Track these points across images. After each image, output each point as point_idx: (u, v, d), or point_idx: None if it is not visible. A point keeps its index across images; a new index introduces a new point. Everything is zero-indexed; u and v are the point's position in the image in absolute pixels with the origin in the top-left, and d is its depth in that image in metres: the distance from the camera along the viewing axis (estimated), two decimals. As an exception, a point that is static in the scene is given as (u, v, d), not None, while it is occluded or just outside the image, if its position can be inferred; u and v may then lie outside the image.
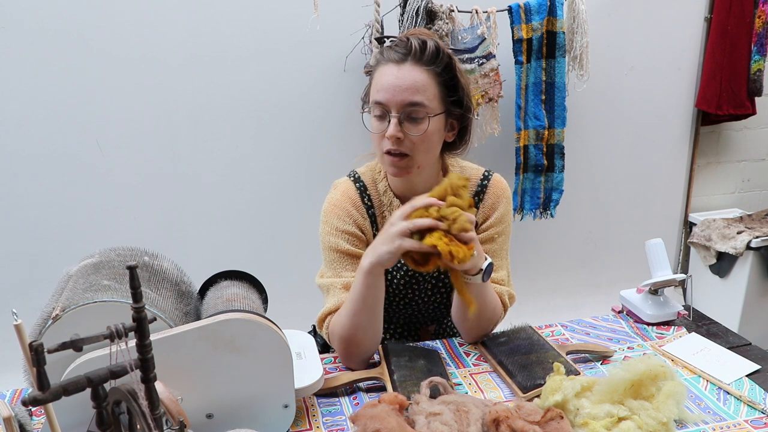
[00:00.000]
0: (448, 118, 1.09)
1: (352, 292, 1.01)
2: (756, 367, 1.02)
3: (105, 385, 0.53)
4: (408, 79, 1.01)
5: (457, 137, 1.13)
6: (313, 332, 1.37)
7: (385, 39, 1.09)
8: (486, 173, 1.19)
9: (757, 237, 2.35)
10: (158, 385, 0.57)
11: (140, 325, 0.52)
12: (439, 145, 1.10)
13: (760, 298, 2.45)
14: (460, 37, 1.99)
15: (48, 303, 0.85)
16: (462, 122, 1.12)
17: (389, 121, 1.03)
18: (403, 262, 1.15)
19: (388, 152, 1.04)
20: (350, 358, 1.05)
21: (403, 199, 1.14)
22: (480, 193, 1.17)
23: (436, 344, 1.15)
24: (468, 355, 1.11)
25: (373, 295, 0.99)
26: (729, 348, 1.09)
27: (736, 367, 1.03)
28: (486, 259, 1.01)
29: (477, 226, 1.15)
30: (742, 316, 2.44)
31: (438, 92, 1.05)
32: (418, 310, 1.23)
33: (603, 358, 1.08)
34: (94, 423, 0.55)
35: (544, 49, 2.11)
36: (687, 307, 1.25)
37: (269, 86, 2.10)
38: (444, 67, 1.05)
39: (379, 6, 1.87)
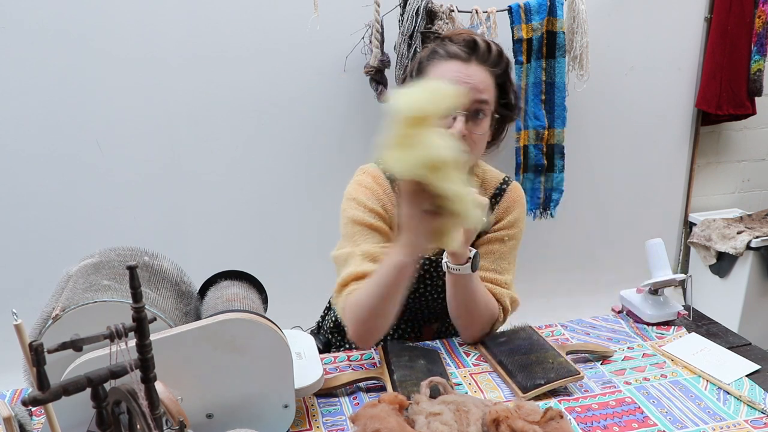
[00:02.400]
0: (494, 119, 1.10)
1: (376, 280, 0.97)
2: (756, 367, 1.02)
3: (105, 385, 0.53)
4: (476, 77, 1.03)
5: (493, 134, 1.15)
6: (316, 331, 1.37)
7: (431, 34, 1.08)
8: (506, 179, 1.21)
9: (757, 237, 2.35)
10: (158, 385, 0.57)
11: (140, 325, 0.52)
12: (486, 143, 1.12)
13: (760, 298, 2.45)
14: (460, 37, 1.99)
15: (48, 303, 0.85)
16: (502, 123, 1.13)
17: (454, 118, 1.02)
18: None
19: None
20: (360, 340, 1.04)
21: None
22: (497, 195, 1.18)
23: (436, 344, 1.15)
24: (468, 355, 1.10)
25: (398, 289, 0.96)
26: (729, 348, 1.09)
27: (736, 367, 1.03)
28: (471, 249, 1.02)
29: (489, 227, 1.17)
30: (742, 316, 2.44)
31: (495, 94, 1.07)
32: (426, 306, 1.23)
33: (603, 358, 1.08)
34: (94, 423, 0.55)
35: (544, 49, 2.10)
36: (687, 307, 1.25)
37: (269, 86, 2.09)
38: (503, 71, 1.07)
39: (379, 6, 1.86)
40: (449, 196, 0.81)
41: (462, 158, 0.82)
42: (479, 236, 1.17)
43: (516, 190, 1.20)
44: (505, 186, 1.19)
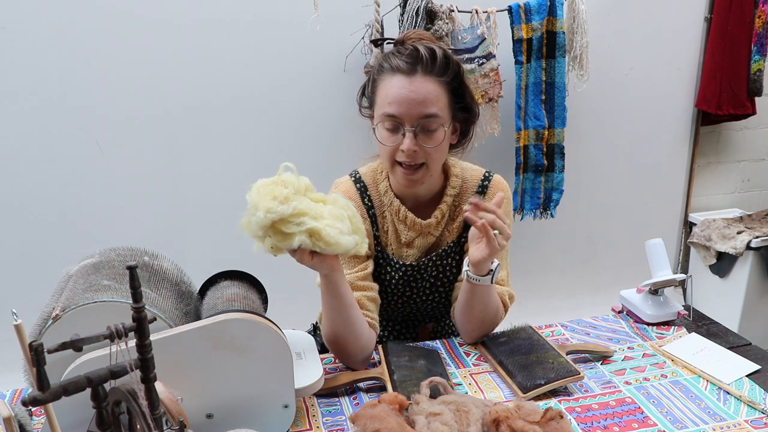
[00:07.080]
0: (454, 123, 1.09)
1: (321, 298, 1.01)
2: (756, 367, 1.02)
3: (105, 385, 0.53)
4: (421, 92, 1.00)
5: (459, 136, 1.14)
6: (313, 332, 1.37)
7: (383, 42, 1.08)
8: (486, 174, 1.19)
9: (757, 237, 2.35)
10: (158, 385, 0.57)
11: (140, 325, 0.52)
12: (447, 150, 1.10)
13: (760, 298, 2.45)
14: (460, 37, 1.99)
15: (48, 303, 0.85)
16: (466, 125, 1.12)
17: (403, 135, 1.02)
18: (402, 263, 1.15)
19: (400, 164, 1.04)
20: (342, 359, 1.06)
21: (404, 200, 1.14)
22: (480, 194, 1.17)
23: (436, 344, 1.15)
24: (468, 355, 1.11)
25: (335, 301, 0.98)
26: (729, 348, 1.09)
27: (736, 367, 1.03)
28: (493, 261, 1.01)
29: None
30: (742, 316, 2.44)
31: (447, 101, 1.05)
32: (416, 309, 1.23)
33: (603, 358, 1.08)
34: (94, 423, 0.55)
35: (544, 49, 2.10)
36: (687, 307, 1.25)
37: (269, 86, 2.09)
38: (453, 76, 1.04)
39: (379, 6, 1.86)
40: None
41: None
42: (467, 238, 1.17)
43: (498, 184, 1.18)
44: (486, 182, 1.17)
